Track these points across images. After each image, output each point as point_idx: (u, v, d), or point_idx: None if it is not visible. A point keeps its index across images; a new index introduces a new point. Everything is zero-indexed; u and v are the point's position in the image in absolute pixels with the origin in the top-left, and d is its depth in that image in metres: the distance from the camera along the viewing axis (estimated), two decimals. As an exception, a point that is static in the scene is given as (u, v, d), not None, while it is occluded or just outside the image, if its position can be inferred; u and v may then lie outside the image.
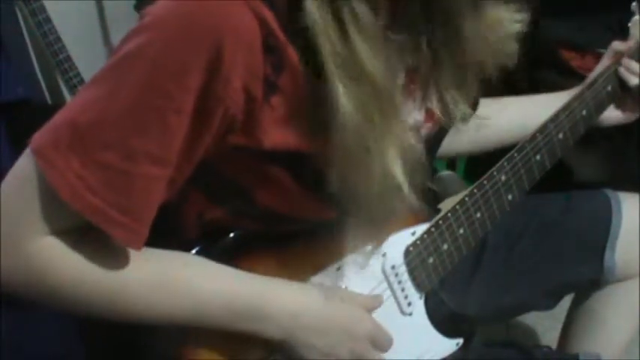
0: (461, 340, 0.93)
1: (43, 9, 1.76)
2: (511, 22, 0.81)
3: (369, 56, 0.64)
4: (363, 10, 0.63)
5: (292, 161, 0.69)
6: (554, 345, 1.26)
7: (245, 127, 0.67)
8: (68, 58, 1.82)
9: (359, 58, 0.64)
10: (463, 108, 0.81)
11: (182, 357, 0.75)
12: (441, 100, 0.80)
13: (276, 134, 0.67)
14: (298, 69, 0.65)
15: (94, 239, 0.67)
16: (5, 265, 0.66)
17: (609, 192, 1.10)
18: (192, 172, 0.68)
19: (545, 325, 1.66)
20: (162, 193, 0.67)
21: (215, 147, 0.68)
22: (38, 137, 0.64)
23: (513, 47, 0.82)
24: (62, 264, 0.67)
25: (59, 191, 0.63)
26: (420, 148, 0.75)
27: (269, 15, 0.63)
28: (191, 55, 0.61)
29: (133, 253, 0.69)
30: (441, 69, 0.77)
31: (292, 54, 0.64)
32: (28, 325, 1.22)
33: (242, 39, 0.62)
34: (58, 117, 0.65)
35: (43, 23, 1.77)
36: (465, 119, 0.84)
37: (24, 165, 0.65)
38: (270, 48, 0.63)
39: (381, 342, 0.83)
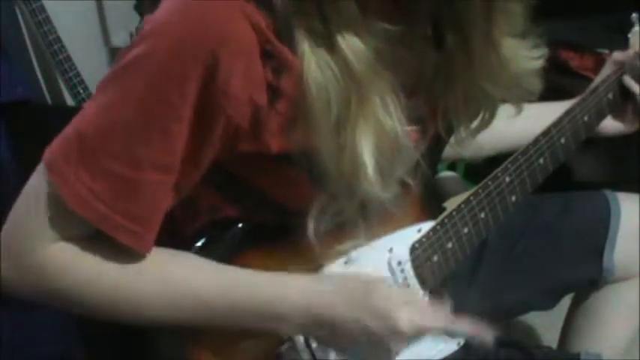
0: (462, 340, 0.93)
1: (43, 9, 1.77)
2: (528, 59, 0.79)
3: (343, 31, 0.64)
4: None
5: (303, 159, 0.69)
6: (554, 345, 1.26)
7: (252, 135, 0.67)
8: (68, 58, 1.82)
9: (331, 31, 0.64)
10: (465, 125, 0.82)
11: (189, 354, 0.75)
12: (443, 113, 0.80)
13: (284, 137, 0.68)
14: (297, 68, 0.65)
15: (103, 243, 0.68)
16: (18, 272, 0.68)
17: (608, 193, 1.11)
18: (203, 174, 0.69)
19: (545, 325, 1.66)
20: (168, 197, 0.68)
21: (225, 153, 0.68)
22: (50, 151, 0.66)
23: (535, 84, 0.81)
24: (74, 265, 0.68)
25: (69, 202, 0.65)
26: (409, 143, 0.72)
27: (264, 19, 0.63)
28: (189, 63, 0.62)
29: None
30: (448, 83, 0.77)
31: (289, 54, 0.64)
32: (28, 325, 1.22)
33: (239, 46, 0.62)
34: (68, 129, 0.66)
35: (43, 23, 1.77)
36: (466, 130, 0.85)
37: (38, 178, 0.67)
38: (268, 53, 0.64)
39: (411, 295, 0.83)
